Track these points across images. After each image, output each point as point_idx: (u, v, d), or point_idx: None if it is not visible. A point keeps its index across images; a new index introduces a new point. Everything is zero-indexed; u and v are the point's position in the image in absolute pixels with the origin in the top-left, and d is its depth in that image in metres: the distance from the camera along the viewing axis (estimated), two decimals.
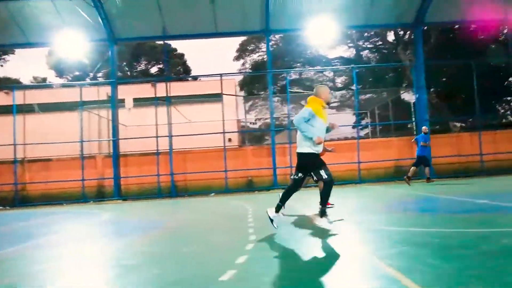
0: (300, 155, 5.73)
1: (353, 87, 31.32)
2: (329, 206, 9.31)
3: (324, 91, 5.86)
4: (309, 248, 4.62)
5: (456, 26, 24.37)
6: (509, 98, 28.83)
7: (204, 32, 16.25)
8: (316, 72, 32.77)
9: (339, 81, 32.27)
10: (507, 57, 16.45)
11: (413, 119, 16.82)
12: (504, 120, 26.98)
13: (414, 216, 6.92)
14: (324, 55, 30.50)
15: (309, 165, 5.67)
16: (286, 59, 30.55)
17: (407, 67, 19.01)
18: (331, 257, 4.18)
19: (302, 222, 6.72)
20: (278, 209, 5.87)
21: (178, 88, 23.24)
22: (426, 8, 15.10)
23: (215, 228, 6.85)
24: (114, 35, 15.78)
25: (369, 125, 26.22)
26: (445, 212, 7.06)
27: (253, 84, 29.66)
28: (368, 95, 27.95)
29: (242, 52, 28.46)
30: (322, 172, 5.53)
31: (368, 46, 30.39)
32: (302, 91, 32.42)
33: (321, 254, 4.35)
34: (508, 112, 28.23)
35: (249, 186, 15.63)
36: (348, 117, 30.78)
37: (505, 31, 26.40)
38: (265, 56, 30.69)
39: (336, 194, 11.50)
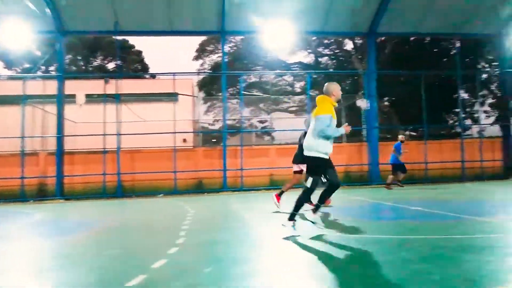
0: (312, 159, 5.30)
1: (311, 92, 31.87)
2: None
3: (335, 88, 5.48)
4: (234, 254, 4.51)
5: (412, 38, 25.25)
6: (457, 110, 30.04)
7: (158, 29, 15.90)
8: (277, 76, 32.95)
9: (298, 86, 32.59)
10: (455, 70, 17.10)
11: (363, 126, 17.14)
12: (452, 131, 28.06)
13: (346, 221, 6.97)
14: (283, 60, 30.72)
15: (313, 168, 5.33)
16: (245, 62, 30.53)
17: (361, 75, 19.38)
18: (248, 264, 4.08)
19: (244, 225, 6.61)
20: (292, 217, 5.42)
21: (134, 86, 22.71)
22: (379, 19, 15.46)
23: (147, 230, 6.63)
24: (63, 27, 15.14)
25: None
26: (378, 219, 7.16)
27: (212, 85, 29.43)
28: None
29: (201, 52, 28.18)
30: (309, 180, 5.27)
31: (328, 53, 30.90)
32: (261, 94, 32.60)
33: (240, 261, 4.24)
34: (456, 123, 29.37)
35: (199, 188, 15.40)
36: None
37: (457, 45, 27.70)
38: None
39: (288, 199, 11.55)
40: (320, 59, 31.35)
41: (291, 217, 5.36)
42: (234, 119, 33.94)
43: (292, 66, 30.77)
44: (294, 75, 29.99)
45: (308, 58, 30.33)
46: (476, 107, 29.56)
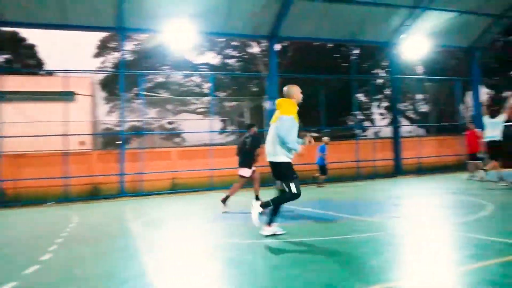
0: (276, 165, 5.21)
1: (219, 94, 31.79)
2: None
3: (296, 91, 5.40)
4: (105, 269, 4.11)
5: (317, 44, 26.27)
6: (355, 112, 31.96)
7: (50, 22, 14.55)
8: (184, 76, 32.36)
9: (207, 87, 32.28)
10: (350, 75, 18.08)
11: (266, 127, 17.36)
12: (351, 132, 29.76)
13: (232, 226, 6.86)
14: (190, 60, 30.25)
15: (282, 173, 5.20)
16: (153, 61, 29.53)
17: (264, 78, 19.65)
18: (114, 280, 3.72)
19: (125, 235, 6.14)
20: (270, 222, 5.35)
21: (25, 83, 20.65)
22: (280, 23, 15.75)
23: (10, 246, 5.87)
24: None
25: (226, 132, 26.79)
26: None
27: (115, 84, 27.92)
28: (234, 103, 28.51)
29: (102, 49, 26.60)
30: (293, 186, 5.10)
31: (236, 55, 31.03)
32: (167, 95, 31.75)
33: (108, 277, 3.86)
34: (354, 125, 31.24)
35: (95, 194, 14.39)
36: (214, 123, 30.96)
37: (355, 51, 29.48)
38: (129, 55, 29.28)
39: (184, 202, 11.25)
40: (228, 61, 31.41)
41: (270, 222, 5.28)
42: (140, 121, 32.74)
43: (200, 67, 30.43)
44: (201, 76, 29.64)
45: (216, 60, 30.22)
46: (373, 110, 31.85)
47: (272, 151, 5.20)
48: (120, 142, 14.90)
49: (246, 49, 27.82)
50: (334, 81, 24.89)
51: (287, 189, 5.13)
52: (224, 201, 8.50)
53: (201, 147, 17.39)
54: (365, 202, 9.24)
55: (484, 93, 28.63)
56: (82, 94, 19.73)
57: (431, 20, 17.31)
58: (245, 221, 7.16)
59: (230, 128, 29.03)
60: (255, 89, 27.75)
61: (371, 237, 4.90)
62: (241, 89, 27.99)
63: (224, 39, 25.97)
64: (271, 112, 16.41)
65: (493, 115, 9.68)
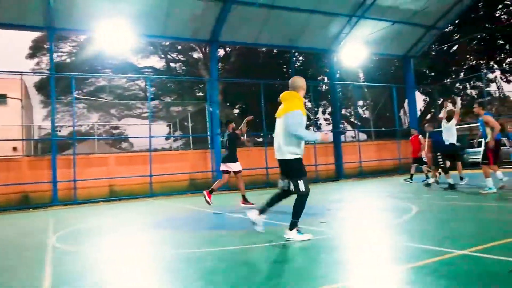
0: (286, 162, 4.87)
1: (165, 99, 31.24)
2: (250, 205, 8.76)
3: (302, 82, 5.06)
4: None
5: (263, 49, 26.46)
6: None
7: None
8: (129, 80, 31.52)
9: (152, 91, 31.59)
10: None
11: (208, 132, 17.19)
12: None
13: (154, 233, 6.64)
14: (134, 64, 29.52)
15: (293, 171, 4.86)
16: (94, 63, 28.49)
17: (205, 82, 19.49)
18: None
19: (38, 246, 5.72)
20: (292, 226, 4.93)
21: None
22: (220, 27, 15.68)
23: None
24: None
25: (171, 137, 26.35)
26: (189, 229, 6.98)
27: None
28: (181, 108, 28.07)
29: (36, 50, 25.26)
30: (301, 184, 4.79)
31: (182, 59, 30.61)
32: (111, 99, 30.77)
33: None
34: None
35: (24, 203, 13.53)
36: (160, 128, 30.42)
37: (301, 58, 30.03)
38: (66, 57, 28.13)
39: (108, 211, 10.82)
40: (173, 65, 30.94)
41: (292, 227, 4.91)
42: (81, 125, 31.43)
43: (144, 71, 29.73)
44: (133, 79, 28.94)
45: (161, 64, 29.67)
46: (318, 115, 32.49)
47: (281, 149, 4.89)
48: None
49: (189, 53, 27.51)
50: (278, 87, 25.18)
51: (294, 188, 4.84)
52: (244, 202, 8.83)
53: (141, 153, 16.90)
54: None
55: (421, 99, 30.18)
56: (13, 98, 18.59)
57: (367, 29, 17.94)
58: (183, 228, 6.97)
59: (176, 133, 28.53)
60: (200, 94, 27.52)
61: (288, 244, 4.87)
62: (187, 93, 27.63)
63: (167, 42, 25.51)
64: (213, 116, 16.31)
65: (448, 119, 9.95)
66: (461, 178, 10.65)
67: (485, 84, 24.11)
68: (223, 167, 9.05)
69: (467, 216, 6.37)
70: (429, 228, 5.41)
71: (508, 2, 26.75)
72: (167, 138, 30.49)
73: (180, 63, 30.49)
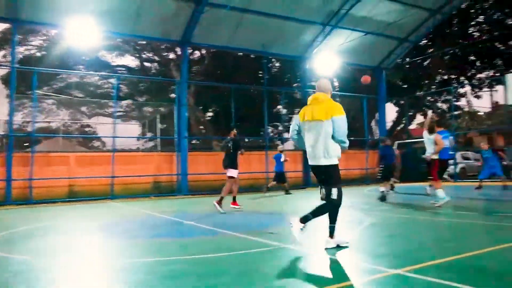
0: (328, 168, 4.66)
1: (137, 98, 30.70)
2: (237, 207, 9.49)
3: (330, 84, 4.93)
4: None
5: (240, 54, 26.26)
6: (277, 123, 32.45)
7: None
8: (102, 78, 30.81)
9: (125, 90, 31.01)
10: (263, 86, 18.22)
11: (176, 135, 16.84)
12: (270, 143, 30.09)
13: (105, 242, 6.35)
14: (108, 61, 28.91)
15: (333, 177, 4.69)
16: (66, 59, 27.71)
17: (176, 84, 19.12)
18: None
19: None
20: (331, 232, 4.77)
21: None
22: (192, 29, 15.44)
23: None
24: None
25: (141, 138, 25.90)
26: (139, 236, 6.71)
27: (20, 81, 25.75)
28: (154, 108, 27.58)
29: (4, 42, 24.38)
30: (335, 192, 4.63)
31: (156, 59, 30.14)
32: (81, 96, 30.03)
33: None
34: (276, 136, 31.70)
35: None
36: (133, 128, 29.82)
37: (278, 64, 30.01)
38: (36, 51, 27.31)
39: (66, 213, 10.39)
40: (149, 65, 30.43)
41: (332, 232, 4.74)
42: (49, 122, 30.51)
43: (118, 69, 29.12)
44: (104, 77, 28.31)
45: (136, 62, 29.14)
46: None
47: (322, 154, 4.64)
48: (27, 144, 13.57)
49: (165, 54, 27.12)
50: (253, 92, 25.07)
51: (326, 194, 4.67)
52: (219, 203, 9.00)
53: (105, 153, 16.46)
54: (257, 215, 9.10)
55: (394, 111, 30.54)
56: None
57: (341, 38, 18.00)
58: (129, 235, 6.68)
59: (149, 134, 28.02)
60: (173, 95, 27.10)
61: (222, 257, 4.67)
62: (160, 94, 27.20)
63: (144, 41, 25.02)
64: (181, 118, 16.00)
65: (430, 131, 9.69)
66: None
67: (455, 98, 24.58)
68: (228, 173, 9.40)
69: (414, 231, 6.29)
70: (373, 244, 5.31)
71: (480, 20, 27.42)
72: (138, 139, 29.94)
73: (156, 63, 30.02)
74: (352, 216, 7.89)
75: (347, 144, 4.70)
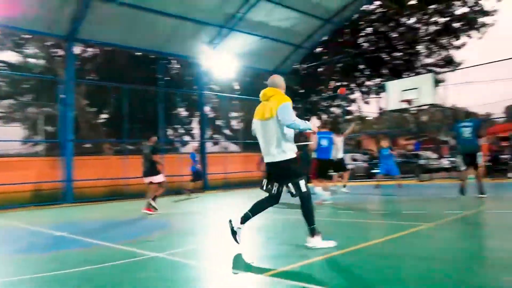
0: (283, 163, 4.50)
1: (20, 98, 27.86)
2: (151, 212, 9.20)
3: (282, 81, 4.83)
4: None
5: (139, 54, 25.10)
6: (178, 126, 31.76)
7: None
8: None
9: (8, 88, 27.95)
10: (157, 86, 17.62)
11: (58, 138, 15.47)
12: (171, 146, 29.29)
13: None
14: None
15: (292, 171, 4.52)
16: None
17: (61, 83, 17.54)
18: None
19: None
20: (245, 220, 4.73)
21: None
22: (78, 24, 14.32)
23: None
24: None
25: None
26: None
27: None
28: (39, 109, 25.22)
29: None
30: (302, 183, 4.45)
31: (44, 55, 27.59)
32: None
33: None
34: (176, 139, 30.94)
35: None
36: (15, 131, 27.02)
37: (176, 65, 29.30)
38: None
39: None
40: (36, 61, 27.74)
41: (312, 233, 4.51)
42: None
43: None
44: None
45: (19, 58, 26.34)
46: (193, 124, 32.04)
47: (274, 150, 4.51)
48: None
49: (52, 50, 24.97)
50: (151, 93, 24.13)
51: (295, 190, 4.46)
52: (150, 204, 9.16)
53: None
54: (145, 221, 8.61)
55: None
56: None
57: (238, 41, 18.10)
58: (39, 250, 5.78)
59: (35, 137, 25.54)
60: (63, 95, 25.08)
61: (84, 272, 4.22)
62: (47, 94, 24.95)
63: (30, 36, 22.69)
64: (67, 120, 14.70)
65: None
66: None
67: (347, 104, 26.18)
68: (148, 180, 9.43)
69: (292, 232, 6.35)
70: (248, 246, 5.23)
71: (369, 31, 29.71)
72: (24, 143, 27.22)
73: (44, 60, 27.46)
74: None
75: (300, 125, 4.48)
